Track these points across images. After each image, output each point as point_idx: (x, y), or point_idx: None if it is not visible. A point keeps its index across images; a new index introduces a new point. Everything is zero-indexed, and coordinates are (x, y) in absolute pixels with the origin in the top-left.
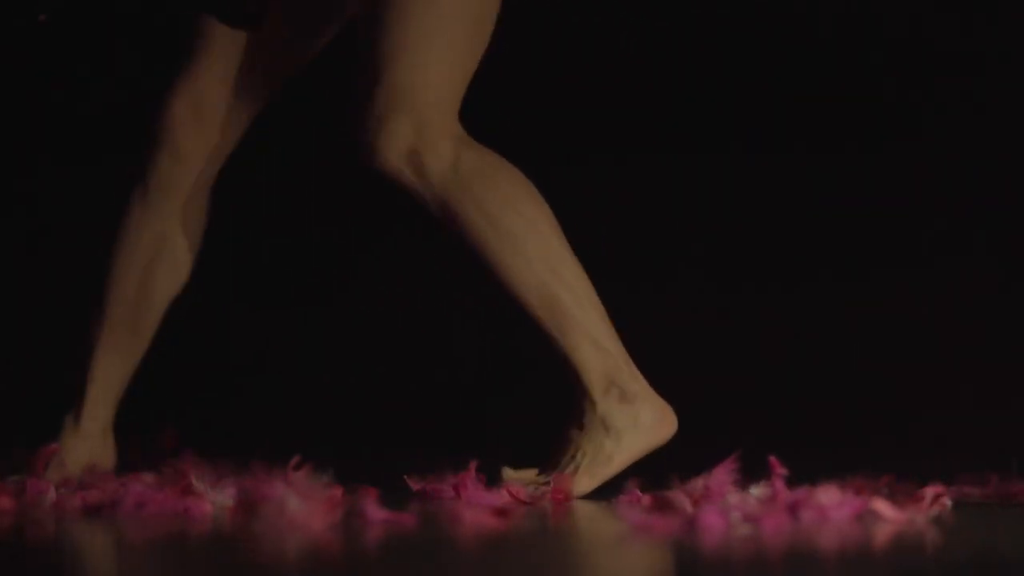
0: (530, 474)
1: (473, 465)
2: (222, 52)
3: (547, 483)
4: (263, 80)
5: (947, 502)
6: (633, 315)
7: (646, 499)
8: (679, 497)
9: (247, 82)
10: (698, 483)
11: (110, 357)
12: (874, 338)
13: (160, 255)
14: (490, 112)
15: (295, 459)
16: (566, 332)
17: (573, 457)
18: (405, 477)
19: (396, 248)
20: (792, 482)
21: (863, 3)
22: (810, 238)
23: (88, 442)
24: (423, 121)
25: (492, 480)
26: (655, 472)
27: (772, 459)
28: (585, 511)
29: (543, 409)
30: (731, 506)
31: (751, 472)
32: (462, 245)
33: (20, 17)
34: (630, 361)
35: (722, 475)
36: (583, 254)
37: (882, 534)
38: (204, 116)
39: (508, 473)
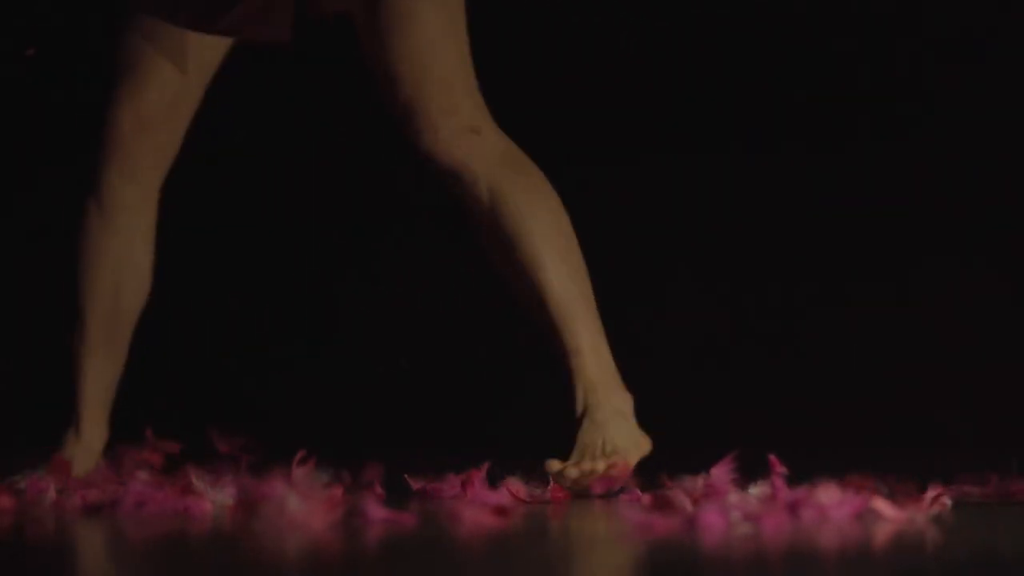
0: (573, 465)
1: (486, 465)
2: (162, 57)
3: (606, 468)
4: (199, 79)
5: (947, 501)
6: (634, 315)
7: (646, 498)
8: (679, 496)
9: (185, 84)
10: (698, 482)
11: (97, 374)
12: (874, 338)
13: (125, 270)
14: (491, 112)
15: (300, 454)
16: (583, 326)
17: (604, 443)
18: (405, 476)
19: (398, 249)
20: (792, 481)
21: (863, 3)
22: (810, 238)
23: (93, 454)
24: (476, 106)
25: (493, 481)
26: (654, 471)
27: (772, 458)
28: (585, 511)
29: (542, 409)
30: (731, 505)
31: (751, 472)
32: (494, 232)
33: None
34: None
35: (721, 474)
36: (584, 254)
37: (882, 533)
38: (150, 126)
39: (554, 465)
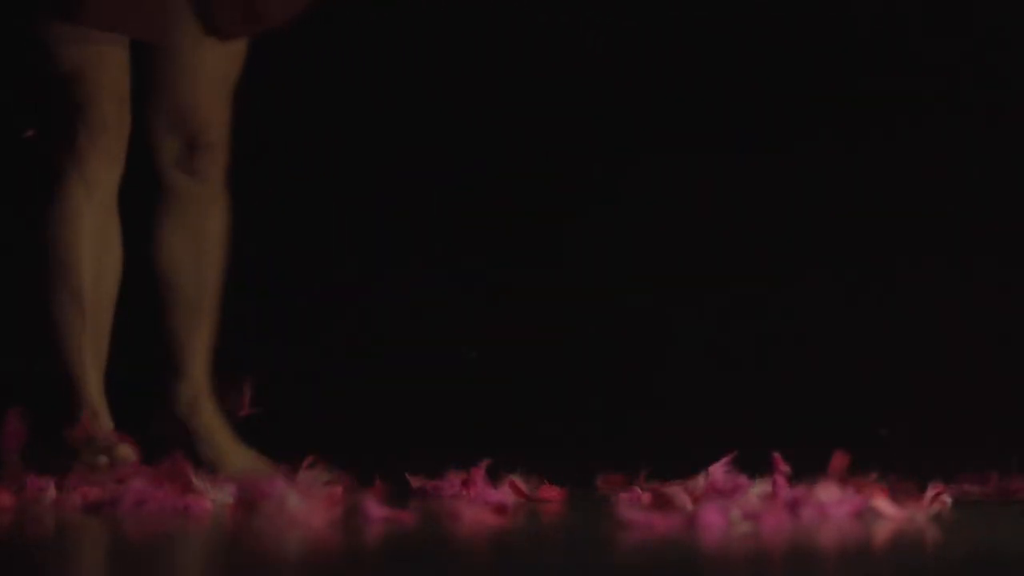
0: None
1: (484, 464)
2: (124, 50)
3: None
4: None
5: (947, 500)
6: (634, 315)
7: (646, 498)
8: (679, 495)
9: (127, 61)
10: (699, 481)
11: (95, 362)
12: (875, 338)
13: (109, 253)
14: (493, 114)
15: (309, 457)
16: (213, 333)
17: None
18: (406, 474)
19: (399, 248)
20: (792, 479)
21: (864, 3)
22: (809, 238)
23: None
24: (227, 141)
25: (493, 479)
26: (653, 471)
27: (776, 456)
28: (585, 509)
29: (537, 409)
30: (731, 504)
31: (751, 470)
32: (191, 237)
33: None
34: None
35: (723, 473)
36: (584, 254)
37: (882, 531)
38: (124, 114)
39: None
